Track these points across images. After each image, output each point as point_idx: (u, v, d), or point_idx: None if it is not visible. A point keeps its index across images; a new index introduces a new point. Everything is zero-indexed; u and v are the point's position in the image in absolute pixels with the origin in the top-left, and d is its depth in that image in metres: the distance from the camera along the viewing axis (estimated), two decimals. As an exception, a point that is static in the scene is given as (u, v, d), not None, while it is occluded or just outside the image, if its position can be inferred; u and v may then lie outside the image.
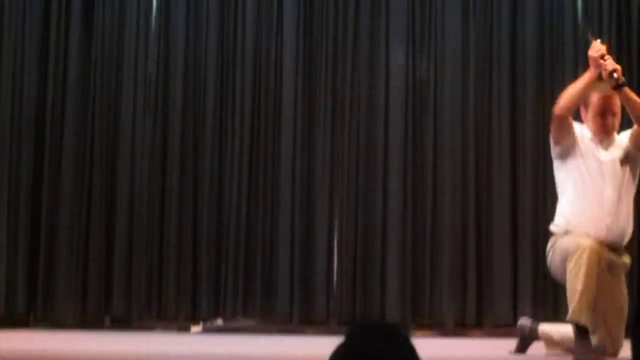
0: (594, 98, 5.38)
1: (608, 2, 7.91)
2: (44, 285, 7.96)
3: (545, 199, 7.71)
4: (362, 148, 8.01)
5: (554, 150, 5.45)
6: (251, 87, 8.11)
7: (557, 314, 7.66)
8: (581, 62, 7.81)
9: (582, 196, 5.34)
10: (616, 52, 7.78)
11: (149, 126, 8.11)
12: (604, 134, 5.39)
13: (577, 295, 5.02)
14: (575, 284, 5.03)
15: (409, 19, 8.08)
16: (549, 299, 7.67)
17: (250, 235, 7.96)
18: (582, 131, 5.41)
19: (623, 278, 5.40)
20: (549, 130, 7.26)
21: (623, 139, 5.47)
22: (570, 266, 5.07)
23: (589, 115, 5.41)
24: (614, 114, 5.40)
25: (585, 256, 5.04)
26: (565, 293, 5.18)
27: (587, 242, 5.10)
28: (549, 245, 5.47)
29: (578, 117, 5.51)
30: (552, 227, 5.45)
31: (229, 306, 7.89)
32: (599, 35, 7.74)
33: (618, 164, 5.38)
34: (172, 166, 8.07)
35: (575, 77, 7.72)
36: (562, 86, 7.74)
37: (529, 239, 7.72)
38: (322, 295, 7.87)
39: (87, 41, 8.23)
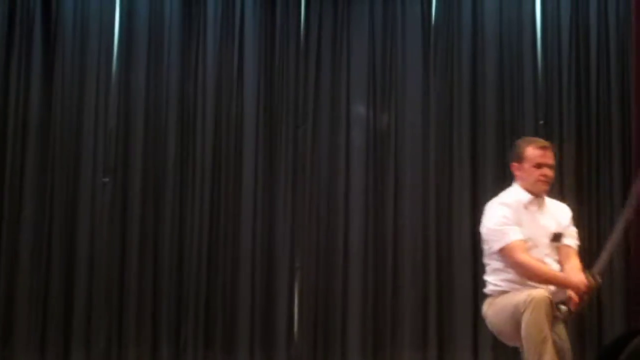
0: (533, 152, 5.43)
1: (567, 53, 8.03)
2: (3, 337, 7.86)
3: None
4: (323, 201, 8.04)
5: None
6: (212, 143, 8.12)
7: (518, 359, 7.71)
8: (540, 110, 7.95)
9: None
10: (575, 78, 7.94)
11: (110, 181, 8.07)
12: (546, 186, 5.43)
13: (545, 347, 4.99)
14: (537, 336, 4.99)
15: (370, 72, 8.14)
16: (509, 350, 7.70)
17: (210, 288, 7.94)
18: (518, 202, 5.41)
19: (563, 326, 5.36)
20: (509, 183, 7.42)
21: (559, 213, 5.50)
22: (526, 317, 5.02)
23: (525, 167, 5.44)
24: (551, 167, 5.48)
25: (542, 305, 5.00)
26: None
27: (540, 291, 5.08)
28: (485, 306, 5.42)
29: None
30: (493, 289, 5.41)
31: (189, 356, 7.84)
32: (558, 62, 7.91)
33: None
34: (132, 222, 8.03)
35: (535, 124, 7.89)
36: (523, 135, 7.90)
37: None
38: (283, 347, 7.84)
39: (47, 96, 8.18)
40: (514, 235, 5.26)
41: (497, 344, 7.68)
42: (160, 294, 7.94)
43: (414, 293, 7.83)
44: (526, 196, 5.45)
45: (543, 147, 5.46)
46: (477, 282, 7.77)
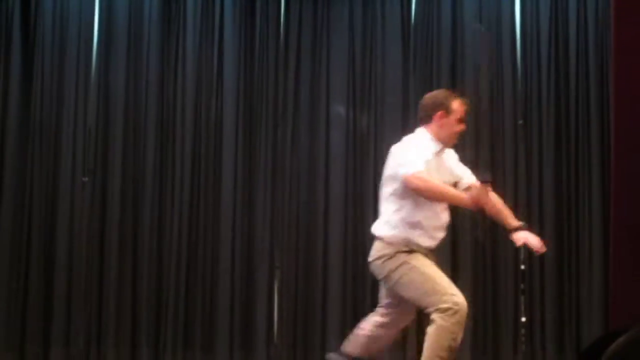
0: (460, 107, 5.63)
1: (547, 53, 8.07)
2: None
3: (484, 251, 7.83)
4: (302, 201, 8.06)
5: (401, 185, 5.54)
6: (191, 143, 8.11)
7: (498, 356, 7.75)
8: (519, 110, 7.99)
9: (423, 210, 5.51)
10: (554, 78, 7.97)
11: (89, 181, 8.06)
12: (456, 140, 5.69)
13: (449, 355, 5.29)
14: (448, 342, 5.29)
15: (350, 73, 8.15)
16: (488, 346, 7.75)
17: (190, 288, 7.96)
18: (430, 149, 5.58)
19: None
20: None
21: (451, 160, 5.76)
22: (447, 322, 5.25)
23: (450, 119, 5.60)
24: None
25: (465, 317, 5.28)
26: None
27: (463, 302, 5.31)
28: (397, 263, 5.51)
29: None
30: (390, 237, 5.57)
31: (168, 357, 7.84)
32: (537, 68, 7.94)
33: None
34: (111, 222, 8.03)
35: (514, 123, 7.92)
36: (502, 135, 7.93)
37: (468, 287, 7.79)
38: (263, 347, 7.85)
39: (26, 95, 8.17)
40: (422, 166, 5.42)
41: (476, 346, 7.73)
42: (139, 294, 7.94)
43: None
44: (436, 146, 5.62)
45: (466, 105, 5.68)
46: (456, 283, 7.80)
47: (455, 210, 7.82)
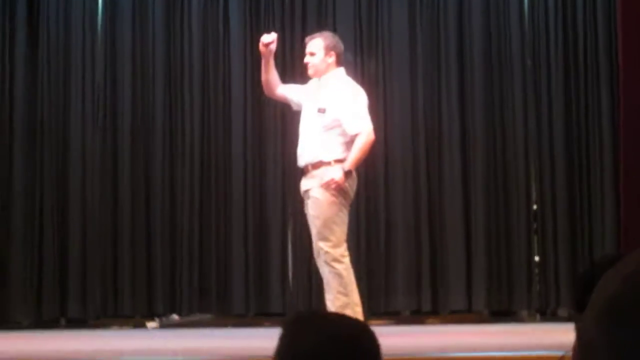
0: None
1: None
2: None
3: (496, 191, 7.85)
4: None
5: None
6: (200, 97, 8.10)
7: (511, 302, 7.79)
8: (527, 51, 7.96)
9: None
10: (563, 51, 7.93)
11: (99, 133, 8.08)
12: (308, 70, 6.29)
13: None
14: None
15: (356, 22, 8.13)
16: (503, 291, 7.79)
17: (204, 230, 7.98)
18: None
19: None
20: (498, 126, 7.46)
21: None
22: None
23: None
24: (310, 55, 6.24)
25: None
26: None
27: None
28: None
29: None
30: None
31: (184, 302, 7.90)
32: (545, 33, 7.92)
33: None
34: (123, 166, 8.05)
35: (523, 71, 7.92)
36: (511, 76, 7.91)
37: (481, 228, 7.84)
38: (278, 289, 7.90)
39: (32, 55, 8.15)
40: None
41: (491, 286, 7.78)
42: (154, 245, 7.96)
43: (406, 237, 7.87)
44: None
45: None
46: (469, 225, 7.86)
47: (466, 154, 7.87)
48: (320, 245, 5.91)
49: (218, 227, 7.97)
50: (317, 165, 5.99)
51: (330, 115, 5.99)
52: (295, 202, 7.92)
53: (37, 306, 7.87)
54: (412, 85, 8.08)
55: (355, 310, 5.74)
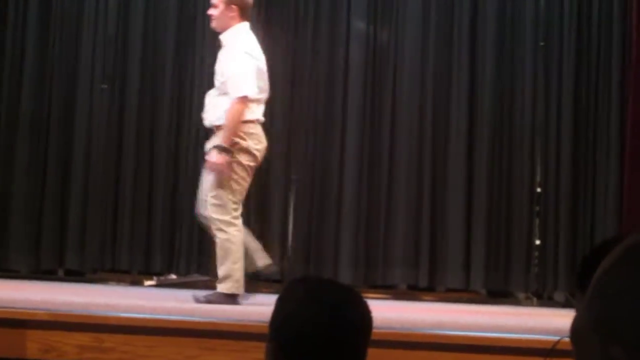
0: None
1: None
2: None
3: (500, 172, 7.82)
4: (320, 115, 8.04)
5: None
6: (211, 52, 8.08)
7: (508, 283, 7.78)
8: (542, 23, 7.90)
9: None
10: (575, 51, 7.88)
11: (108, 88, 8.07)
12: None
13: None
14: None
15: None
16: (501, 267, 7.78)
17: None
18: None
19: None
20: (506, 106, 7.38)
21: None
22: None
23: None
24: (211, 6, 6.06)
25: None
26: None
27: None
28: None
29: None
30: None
31: (182, 262, 7.91)
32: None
33: None
34: (129, 122, 8.06)
35: (535, 42, 7.85)
36: (523, 56, 7.86)
37: (483, 206, 7.82)
38: (277, 256, 7.89)
39: (46, 6, 8.14)
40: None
41: (489, 266, 7.77)
42: (154, 200, 7.98)
43: (407, 209, 7.86)
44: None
45: None
46: (471, 201, 7.84)
47: (473, 133, 7.84)
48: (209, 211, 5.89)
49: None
50: (217, 128, 5.96)
51: (220, 78, 5.95)
52: (298, 167, 7.91)
53: (35, 256, 7.88)
54: (422, 59, 8.04)
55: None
